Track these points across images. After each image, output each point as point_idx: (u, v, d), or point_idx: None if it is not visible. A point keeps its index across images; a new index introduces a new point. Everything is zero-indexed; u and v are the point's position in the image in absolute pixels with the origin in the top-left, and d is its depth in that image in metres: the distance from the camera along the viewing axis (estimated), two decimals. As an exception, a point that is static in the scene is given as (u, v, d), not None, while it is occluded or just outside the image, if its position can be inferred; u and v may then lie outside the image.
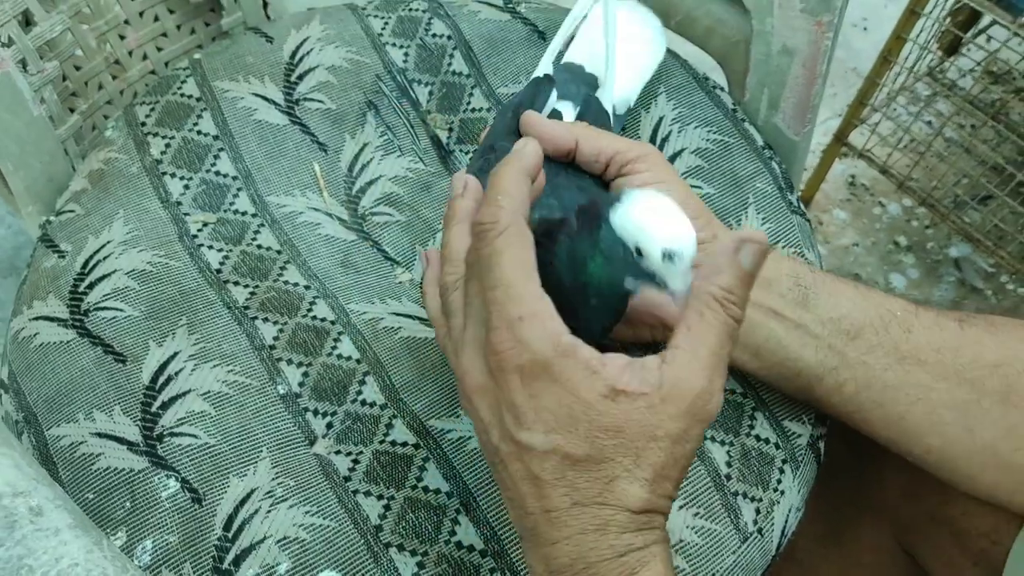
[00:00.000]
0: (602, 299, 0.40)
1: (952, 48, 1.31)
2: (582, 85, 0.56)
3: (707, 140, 0.63)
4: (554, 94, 0.53)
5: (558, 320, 0.36)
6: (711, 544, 0.49)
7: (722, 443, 0.52)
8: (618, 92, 0.57)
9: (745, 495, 0.51)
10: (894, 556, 0.64)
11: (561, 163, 0.48)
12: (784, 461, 0.53)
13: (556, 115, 0.53)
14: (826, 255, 1.34)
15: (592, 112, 0.54)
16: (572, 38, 0.60)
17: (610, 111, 0.55)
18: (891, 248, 1.36)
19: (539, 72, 0.56)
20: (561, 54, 0.59)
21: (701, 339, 0.36)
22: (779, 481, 0.52)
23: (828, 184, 1.39)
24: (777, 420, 0.54)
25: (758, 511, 0.51)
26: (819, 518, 0.63)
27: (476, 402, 0.38)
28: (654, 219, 0.37)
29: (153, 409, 0.51)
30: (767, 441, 0.53)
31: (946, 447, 0.46)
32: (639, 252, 0.37)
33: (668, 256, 0.36)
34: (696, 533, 0.49)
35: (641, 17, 0.64)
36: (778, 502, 0.52)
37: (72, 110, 0.66)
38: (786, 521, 0.53)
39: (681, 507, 0.50)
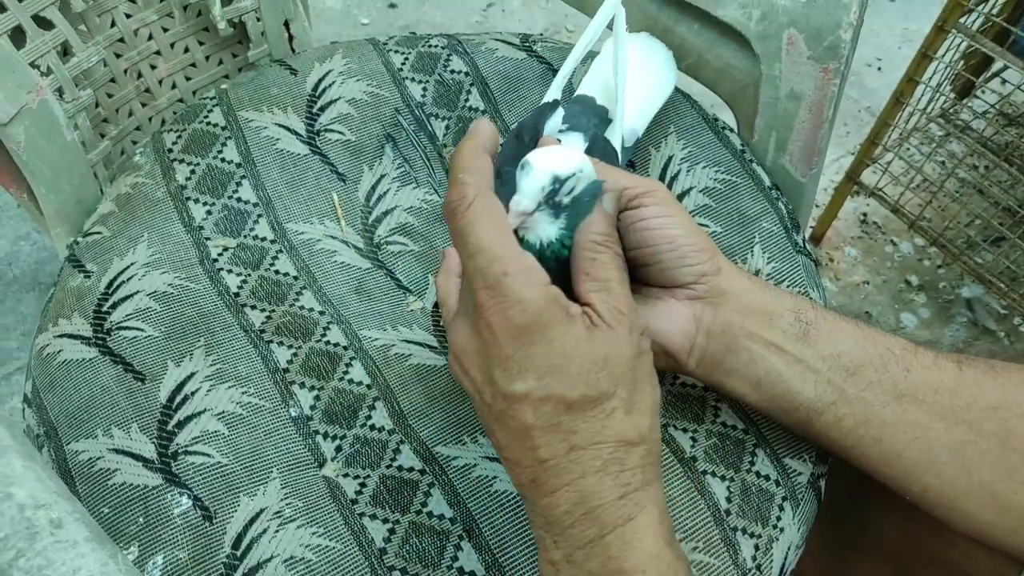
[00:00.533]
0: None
1: (965, 90, 1.32)
2: (592, 117, 0.57)
3: (715, 180, 0.65)
4: (559, 119, 0.55)
5: (542, 271, 0.39)
6: (708, 578, 0.50)
7: (723, 478, 0.53)
8: (627, 123, 0.59)
9: (744, 531, 0.52)
10: (895, 595, 0.64)
11: None
12: (784, 498, 0.54)
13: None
14: (836, 292, 1.35)
15: (599, 149, 0.55)
16: (587, 70, 0.62)
17: (618, 146, 0.57)
18: (902, 287, 1.36)
19: (548, 98, 0.58)
20: (571, 82, 0.61)
21: (605, 273, 0.41)
22: (779, 518, 0.53)
23: (840, 221, 1.40)
24: (778, 457, 0.55)
25: (757, 547, 0.52)
26: (820, 558, 0.63)
27: (466, 365, 0.41)
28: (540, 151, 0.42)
29: (169, 427, 0.53)
30: (767, 478, 0.54)
31: (943, 486, 0.46)
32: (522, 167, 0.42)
33: (522, 166, 0.41)
34: (695, 567, 0.50)
35: (652, 48, 0.66)
36: (777, 539, 0.53)
37: (103, 135, 0.68)
38: (785, 558, 0.53)
39: (680, 540, 0.51)
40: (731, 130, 0.68)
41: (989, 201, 1.30)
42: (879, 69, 1.66)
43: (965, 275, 1.34)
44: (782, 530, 0.53)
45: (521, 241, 0.42)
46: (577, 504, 0.40)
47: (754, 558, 0.52)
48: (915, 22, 1.70)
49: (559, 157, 0.42)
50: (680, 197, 0.64)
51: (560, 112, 0.56)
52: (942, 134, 1.37)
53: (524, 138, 0.54)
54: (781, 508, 0.53)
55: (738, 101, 0.68)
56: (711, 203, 0.64)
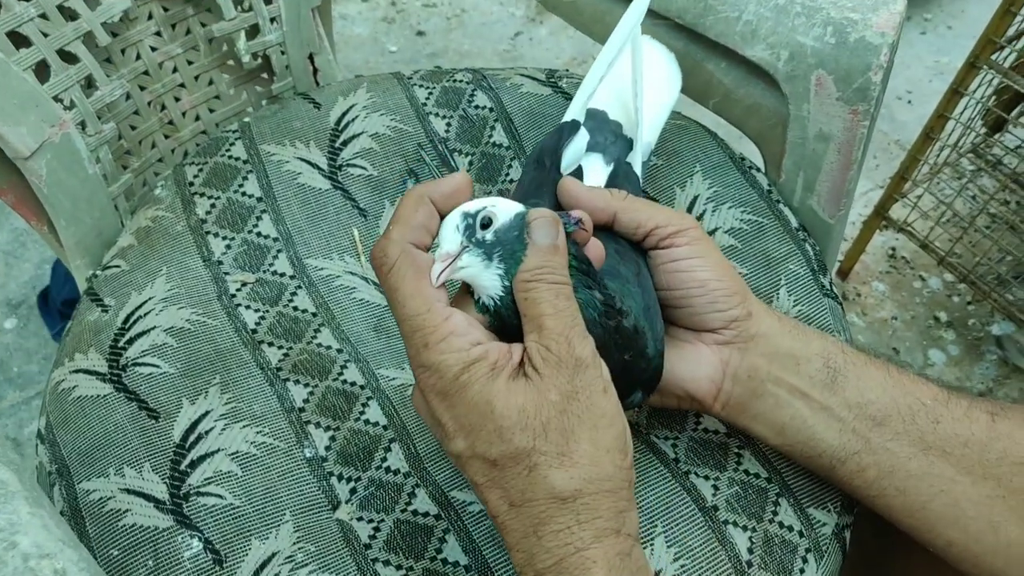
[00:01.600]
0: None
1: (997, 126, 1.30)
2: (608, 134, 0.56)
3: (741, 220, 0.63)
4: (583, 143, 0.54)
5: (468, 334, 0.39)
6: (730, 636, 0.48)
7: (744, 528, 0.52)
8: (644, 138, 0.57)
9: (767, 585, 0.50)
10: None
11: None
12: (808, 550, 0.52)
13: (580, 171, 0.53)
14: (864, 327, 1.32)
15: (623, 174, 0.54)
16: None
17: (639, 170, 0.55)
18: (931, 323, 1.34)
19: (567, 117, 0.56)
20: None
21: (536, 310, 0.39)
22: (802, 571, 0.51)
23: (868, 256, 1.38)
24: (802, 507, 0.53)
25: (780, 602, 0.50)
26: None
27: (426, 422, 0.41)
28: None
29: (182, 467, 0.52)
30: (791, 528, 0.52)
31: (969, 541, 0.45)
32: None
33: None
34: (715, 623, 0.49)
35: (657, 54, 0.63)
36: (801, 594, 0.51)
37: (125, 167, 0.68)
38: (809, 614, 0.51)
39: (701, 595, 0.49)
40: (758, 169, 0.67)
41: (1021, 238, 1.27)
42: (909, 102, 1.64)
43: (995, 312, 1.31)
44: (807, 585, 0.51)
45: (477, 303, 0.41)
46: (526, 565, 0.38)
47: (778, 615, 0.50)
48: (946, 55, 1.68)
49: (469, 202, 0.41)
50: (705, 237, 0.63)
51: (584, 135, 0.55)
52: (973, 169, 1.35)
53: (546, 163, 0.52)
54: (805, 560, 0.52)
55: (766, 140, 0.66)
56: (737, 244, 0.62)
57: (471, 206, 0.41)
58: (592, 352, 0.39)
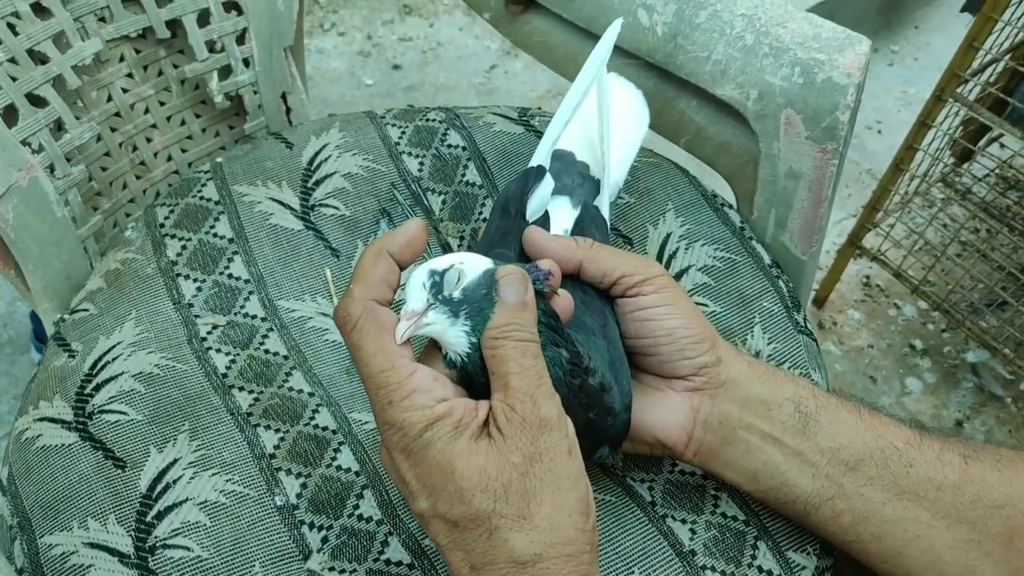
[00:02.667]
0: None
1: (965, 155, 1.32)
2: (575, 176, 0.56)
3: (714, 258, 0.64)
4: (548, 189, 0.53)
5: (432, 391, 0.38)
6: None
7: (723, 573, 0.51)
8: (612, 178, 0.57)
9: (746, 630, 0.50)
10: None
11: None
12: (788, 594, 0.51)
13: (547, 215, 0.53)
14: (840, 356, 1.33)
15: (590, 218, 0.54)
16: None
17: (607, 213, 0.55)
18: (907, 351, 1.34)
19: (533, 162, 0.55)
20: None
21: (503, 368, 0.38)
22: (783, 616, 0.51)
23: (843, 284, 1.39)
24: (781, 551, 0.53)
25: (760, 648, 0.50)
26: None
27: (393, 479, 0.41)
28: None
29: (148, 519, 0.51)
30: (770, 573, 0.52)
31: None
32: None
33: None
34: (694, 670, 0.48)
35: (625, 92, 0.63)
36: (781, 639, 0.50)
37: (95, 208, 0.68)
38: (789, 659, 0.51)
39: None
40: (730, 207, 0.67)
41: (991, 266, 1.29)
42: (879, 132, 1.66)
43: (970, 340, 1.32)
44: (787, 629, 0.51)
45: (445, 358, 0.41)
46: None
47: (758, 661, 0.49)
48: (913, 86, 1.71)
49: (437, 258, 0.41)
50: (678, 276, 0.63)
51: (549, 181, 0.54)
52: (943, 198, 1.36)
53: (511, 211, 0.52)
54: (786, 605, 0.51)
55: (737, 178, 0.67)
56: (710, 281, 0.63)
57: (439, 263, 0.40)
58: (558, 412, 0.38)
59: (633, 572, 0.50)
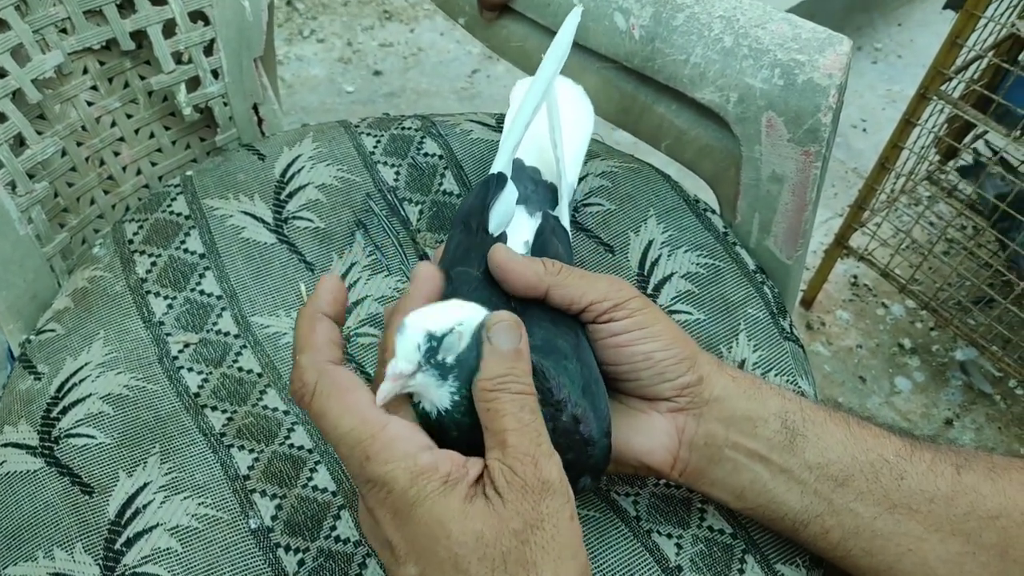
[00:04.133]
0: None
1: (951, 153, 1.32)
2: (527, 182, 0.53)
3: (698, 264, 0.62)
4: (512, 198, 0.50)
5: (413, 438, 0.36)
6: None
7: (710, 590, 0.50)
8: (567, 179, 0.54)
9: (736, 646, 0.49)
10: None
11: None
12: (777, 607, 0.50)
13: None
14: (829, 357, 1.32)
15: (550, 229, 0.51)
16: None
17: (567, 223, 0.53)
18: (895, 350, 1.34)
19: (495, 168, 0.52)
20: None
21: (498, 424, 0.36)
22: (772, 630, 0.50)
23: (831, 284, 1.38)
24: (769, 563, 0.51)
25: (750, 665, 0.48)
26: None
27: (373, 547, 0.38)
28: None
29: (116, 546, 0.49)
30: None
31: None
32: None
33: (398, 328, 0.38)
34: None
35: (568, 90, 0.61)
36: (771, 655, 0.49)
37: (62, 225, 0.66)
38: (780, 675, 0.50)
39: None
40: (713, 212, 0.66)
41: (978, 263, 1.28)
42: (864, 130, 1.66)
43: (958, 338, 1.31)
44: (777, 644, 0.49)
45: (416, 407, 0.38)
46: None
47: None
48: (898, 83, 1.71)
49: (435, 313, 0.38)
50: (661, 283, 0.61)
51: (512, 190, 0.51)
52: (929, 196, 1.36)
53: (472, 226, 0.49)
54: (775, 618, 0.50)
55: (720, 182, 0.66)
56: (694, 289, 0.61)
57: (438, 323, 0.37)
58: (560, 474, 0.36)
59: (618, 590, 0.49)
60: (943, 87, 1.05)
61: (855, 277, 1.42)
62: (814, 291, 1.36)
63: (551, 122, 0.53)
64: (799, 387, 0.59)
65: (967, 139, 1.31)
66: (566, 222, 0.53)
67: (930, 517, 0.43)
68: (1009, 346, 1.20)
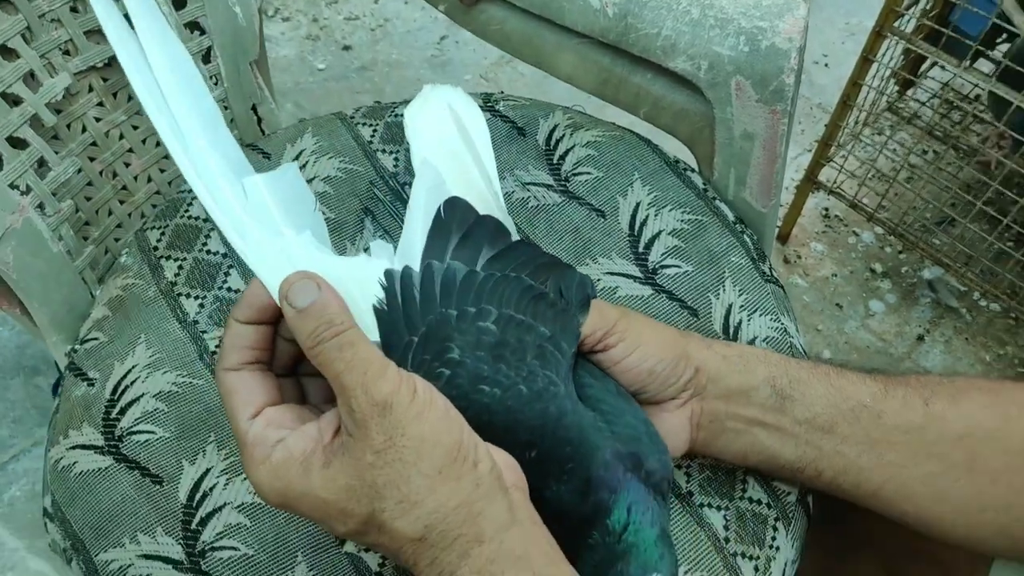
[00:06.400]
0: None
1: (909, 82, 1.37)
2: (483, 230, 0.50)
3: (682, 221, 0.68)
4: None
5: (264, 441, 0.39)
6: (718, 609, 0.53)
7: (718, 508, 0.56)
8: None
9: (744, 555, 0.55)
10: (886, 585, 0.69)
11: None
12: (776, 519, 0.57)
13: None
14: (807, 288, 1.39)
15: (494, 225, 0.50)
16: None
17: (511, 227, 0.52)
18: (868, 276, 1.41)
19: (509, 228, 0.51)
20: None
21: (332, 373, 0.38)
22: (773, 538, 0.56)
23: (804, 218, 1.45)
24: (767, 481, 0.58)
25: (757, 568, 0.55)
26: (821, 556, 0.67)
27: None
28: None
29: (193, 526, 0.55)
30: (759, 502, 0.57)
31: (919, 512, 0.50)
32: None
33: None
34: (704, 599, 0.53)
35: (454, 99, 0.60)
36: (774, 558, 0.56)
37: (85, 238, 0.70)
38: (783, 574, 0.57)
39: (686, 572, 0.54)
40: (692, 170, 0.71)
41: (939, 187, 1.35)
42: (826, 65, 1.71)
43: (925, 258, 1.39)
44: (778, 548, 0.56)
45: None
46: None
47: (757, 582, 0.55)
48: (856, 16, 1.75)
49: None
50: (651, 242, 0.67)
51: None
52: (891, 124, 1.42)
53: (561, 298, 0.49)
54: (775, 529, 0.57)
55: (696, 142, 0.71)
56: (681, 244, 0.67)
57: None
58: (393, 385, 0.37)
59: (640, 520, 0.55)
60: (896, 23, 1.10)
61: (826, 209, 1.48)
62: (789, 226, 1.42)
63: (475, 153, 0.53)
64: (781, 323, 0.65)
65: (923, 67, 1.36)
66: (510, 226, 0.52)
67: (906, 447, 0.50)
68: (971, 262, 1.27)
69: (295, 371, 0.45)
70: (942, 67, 1.49)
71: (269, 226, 0.43)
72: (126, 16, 0.44)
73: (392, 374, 0.38)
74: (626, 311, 0.51)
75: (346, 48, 1.73)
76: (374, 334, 0.43)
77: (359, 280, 0.43)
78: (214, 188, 0.43)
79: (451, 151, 0.54)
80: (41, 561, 0.92)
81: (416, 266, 0.45)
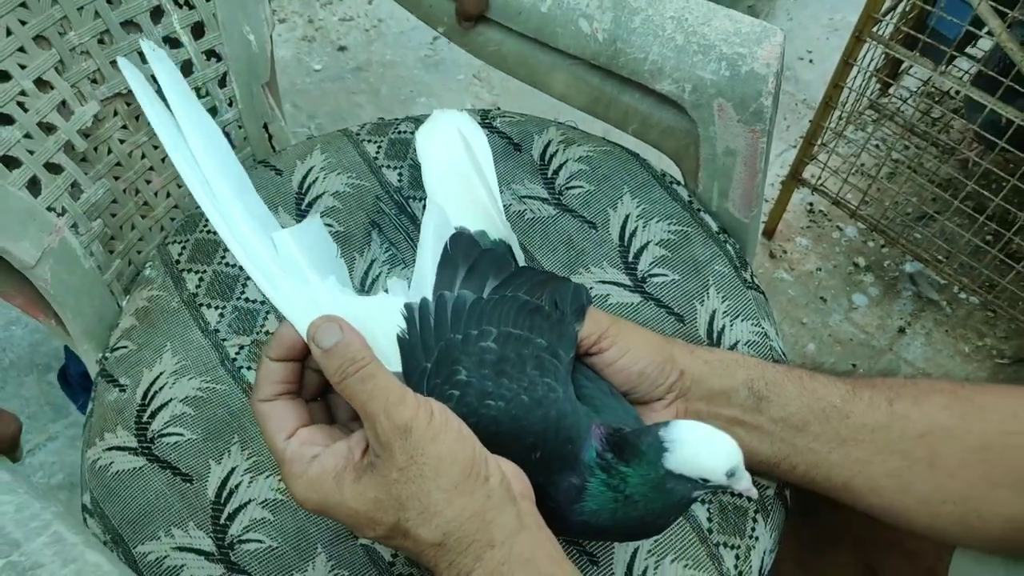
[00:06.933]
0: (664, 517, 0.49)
1: (890, 79, 1.42)
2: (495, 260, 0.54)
3: (669, 232, 0.73)
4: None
5: (300, 458, 0.44)
6: (701, 591, 0.59)
7: (702, 502, 0.62)
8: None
9: (725, 544, 0.61)
10: (860, 574, 0.74)
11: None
12: (756, 511, 0.62)
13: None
14: (792, 282, 1.44)
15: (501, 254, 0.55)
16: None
17: (513, 241, 0.57)
18: (851, 269, 1.46)
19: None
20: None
21: (359, 403, 0.43)
22: (753, 529, 0.62)
23: (789, 214, 1.50)
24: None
25: (737, 557, 0.61)
26: (797, 545, 0.73)
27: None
28: (709, 455, 0.45)
29: (222, 521, 0.60)
30: (740, 495, 0.62)
31: (885, 504, 0.55)
32: (705, 480, 0.46)
33: (730, 473, 0.46)
34: (688, 583, 0.59)
35: (461, 123, 0.63)
36: (754, 547, 0.61)
37: (111, 252, 0.74)
38: (762, 562, 0.62)
39: (673, 560, 0.59)
40: (678, 183, 0.76)
41: (918, 183, 1.40)
42: (811, 61, 1.75)
43: (906, 253, 1.44)
44: (757, 539, 0.62)
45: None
46: None
47: (736, 567, 0.60)
48: (840, 12, 1.80)
49: None
50: (639, 252, 0.72)
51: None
52: (874, 120, 1.47)
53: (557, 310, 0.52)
54: (755, 520, 0.62)
55: (682, 157, 0.76)
56: (668, 253, 0.72)
57: (733, 462, 0.46)
58: (412, 411, 0.42)
59: (630, 511, 0.61)
60: (875, 28, 1.15)
61: (811, 205, 1.54)
62: (774, 221, 1.47)
63: (483, 177, 0.57)
64: (762, 328, 0.70)
65: (903, 67, 1.41)
66: (518, 253, 0.57)
67: (872, 443, 0.54)
68: (950, 257, 1.33)
69: (323, 395, 0.51)
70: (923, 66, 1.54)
71: (297, 274, 0.48)
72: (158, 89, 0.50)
73: (410, 400, 0.43)
74: (616, 318, 0.56)
75: (341, 49, 1.77)
76: (396, 364, 0.48)
77: (378, 317, 0.48)
78: (247, 246, 0.48)
79: (459, 172, 0.59)
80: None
81: (430, 298, 0.50)
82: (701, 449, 0.45)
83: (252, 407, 0.47)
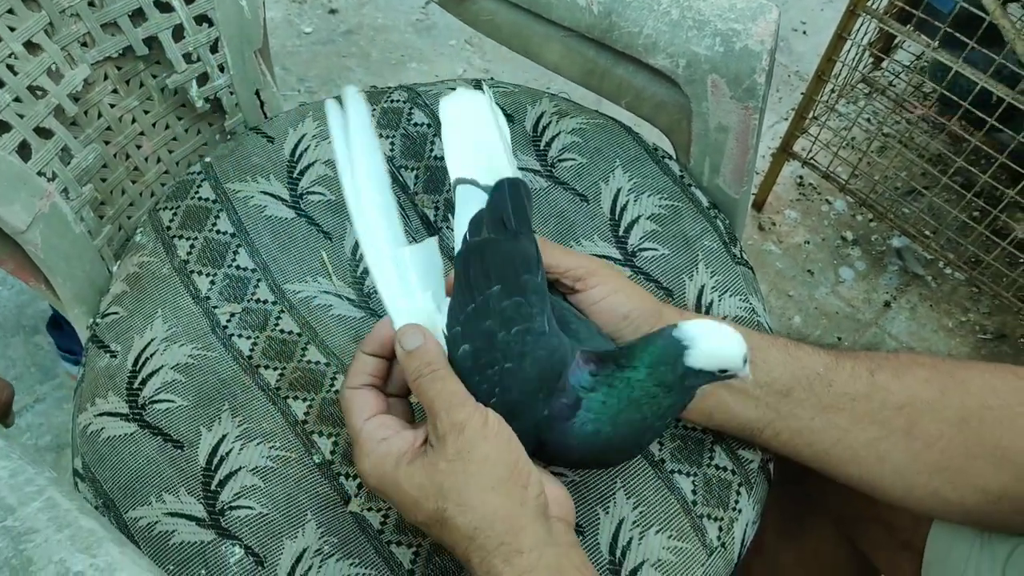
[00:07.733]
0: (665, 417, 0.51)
1: (884, 53, 1.42)
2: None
3: (660, 206, 0.73)
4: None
5: (372, 439, 0.49)
6: (683, 560, 0.60)
7: (687, 475, 0.63)
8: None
9: (709, 516, 0.62)
10: (840, 545, 0.76)
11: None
12: (740, 484, 0.64)
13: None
14: (781, 254, 1.45)
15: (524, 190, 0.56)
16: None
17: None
18: (839, 243, 1.47)
19: (502, 175, 0.56)
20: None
21: (427, 401, 0.49)
22: (736, 502, 0.63)
23: (779, 186, 1.50)
24: (732, 450, 0.65)
25: (721, 528, 0.62)
26: (780, 518, 0.74)
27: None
28: (729, 346, 0.48)
29: (212, 487, 0.61)
30: (725, 469, 0.64)
31: (863, 473, 0.57)
32: (723, 371, 0.49)
33: (745, 359, 0.49)
34: (670, 552, 0.60)
35: (469, 98, 0.62)
36: (737, 519, 0.63)
37: (101, 217, 0.74)
38: (744, 534, 0.64)
39: (657, 532, 0.61)
40: (670, 157, 0.76)
41: (907, 159, 1.40)
42: (804, 33, 1.74)
43: (894, 228, 1.45)
44: (740, 511, 0.63)
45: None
46: None
47: (719, 538, 0.62)
48: (834, -17, 1.78)
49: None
50: (630, 226, 0.72)
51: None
52: (866, 94, 1.47)
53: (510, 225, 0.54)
54: (738, 493, 0.63)
55: (674, 132, 0.76)
56: (658, 228, 0.72)
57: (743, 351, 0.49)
58: (468, 414, 0.47)
59: (616, 482, 0.62)
60: (869, 3, 1.15)
61: (801, 177, 1.54)
62: (764, 194, 1.47)
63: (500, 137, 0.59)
64: (750, 303, 0.71)
65: (896, 40, 1.41)
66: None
67: (853, 412, 0.56)
68: (937, 233, 1.34)
69: (407, 394, 0.55)
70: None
71: (406, 285, 0.54)
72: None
73: (470, 404, 0.48)
74: (613, 266, 0.57)
75: (332, 12, 1.75)
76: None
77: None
78: (381, 258, 0.54)
79: (480, 139, 0.59)
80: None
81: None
82: (721, 342, 0.48)
83: (340, 394, 0.53)
